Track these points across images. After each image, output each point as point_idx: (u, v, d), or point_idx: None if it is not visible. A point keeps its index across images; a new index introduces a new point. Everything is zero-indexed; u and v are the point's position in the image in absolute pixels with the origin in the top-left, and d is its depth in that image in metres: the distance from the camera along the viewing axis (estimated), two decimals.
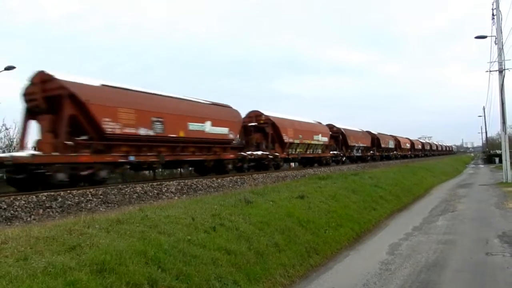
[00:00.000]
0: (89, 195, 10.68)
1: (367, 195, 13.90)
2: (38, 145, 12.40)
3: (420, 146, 67.33)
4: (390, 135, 50.25)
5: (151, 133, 14.68)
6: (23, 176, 11.28)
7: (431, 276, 6.60)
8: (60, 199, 9.98)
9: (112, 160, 13.38)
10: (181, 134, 16.27)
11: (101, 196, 10.86)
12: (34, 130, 12.96)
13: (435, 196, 19.10)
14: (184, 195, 12.62)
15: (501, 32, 22.97)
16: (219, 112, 19.29)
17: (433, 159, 53.97)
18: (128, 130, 13.81)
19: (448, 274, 6.66)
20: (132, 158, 14.05)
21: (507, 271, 6.64)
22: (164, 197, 12.09)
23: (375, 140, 42.12)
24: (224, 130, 18.95)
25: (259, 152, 21.85)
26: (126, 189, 11.77)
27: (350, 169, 26.51)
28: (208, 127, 17.85)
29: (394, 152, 49.48)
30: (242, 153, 20.43)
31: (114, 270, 4.44)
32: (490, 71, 24.74)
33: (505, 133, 24.44)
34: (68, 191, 10.58)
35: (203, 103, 18.85)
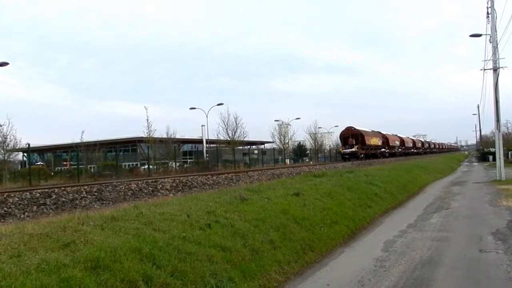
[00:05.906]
0: (84, 192, 10.63)
1: (362, 193, 13.95)
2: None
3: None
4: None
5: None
6: None
7: (426, 273, 6.63)
8: (54, 196, 9.92)
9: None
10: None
11: (96, 193, 10.81)
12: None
13: (429, 194, 19.21)
14: (179, 192, 12.60)
15: (496, 31, 23.12)
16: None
17: (426, 157, 54.24)
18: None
19: (442, 271, 6.70)
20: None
21: (501, 267, 6.68)
22: (159, 194, 12.06)
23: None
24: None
25: (353, 149, 42.38)
26: (121, 186, 11.72)
27: (345, 166, 26.62)
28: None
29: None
30: None
31: (109, 267, 4.43)
32: (485, 69, 24.95)
33: (499, 131, 24.57)
34: (62, 188, 10.53)
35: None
